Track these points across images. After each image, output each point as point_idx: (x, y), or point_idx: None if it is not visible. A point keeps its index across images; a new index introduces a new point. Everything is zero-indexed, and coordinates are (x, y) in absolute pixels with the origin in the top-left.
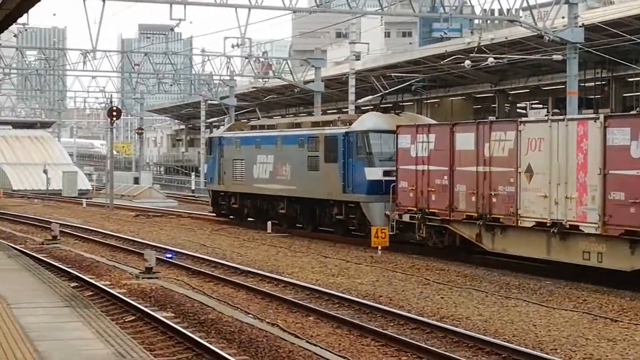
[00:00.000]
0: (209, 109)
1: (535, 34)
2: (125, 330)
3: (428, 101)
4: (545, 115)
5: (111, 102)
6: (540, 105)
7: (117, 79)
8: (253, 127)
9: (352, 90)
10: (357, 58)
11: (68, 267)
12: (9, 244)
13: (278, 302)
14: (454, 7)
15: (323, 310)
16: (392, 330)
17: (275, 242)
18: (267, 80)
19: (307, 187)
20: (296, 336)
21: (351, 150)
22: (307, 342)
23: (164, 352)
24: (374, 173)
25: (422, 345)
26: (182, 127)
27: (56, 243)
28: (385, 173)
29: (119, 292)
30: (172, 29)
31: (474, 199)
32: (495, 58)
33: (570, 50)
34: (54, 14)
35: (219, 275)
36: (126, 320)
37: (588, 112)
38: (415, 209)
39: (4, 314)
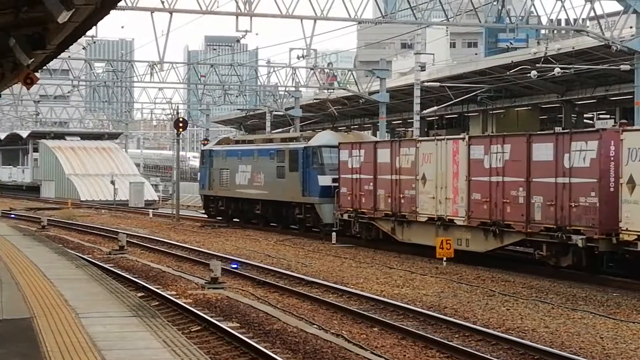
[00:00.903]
0: (274, 119)
1: (603, 43)
2: (191, 340)
3: (494, 112)
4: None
5: (177, 113)
6: (608, 116)
7: (183, 90)
8: (237, 142)
9: (417, 101)
10: (423, 69)
11: (135, 277)
12: (77, 254)
13: (343, 312)
14: (520, 18)
15: (388, 321)
16: (457, 342)
17: (340, 253)
18: (332, 91)
19: (276, 192)
20: (361, 347)
21: (308, 162)
22: (372, 353)
23: None
24: (325, 180)
25: (488, 357)
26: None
27: (123, 253)
28: (334, 180)
29: (185, 302)
30: (238, 41)
31: (389, 200)
32: (561, 68)
33: (638, 60)
34: (122, 27)
35: (283, 286)
36: (192, 330)
37: None
38: (351, 209)
39: (72, 324)
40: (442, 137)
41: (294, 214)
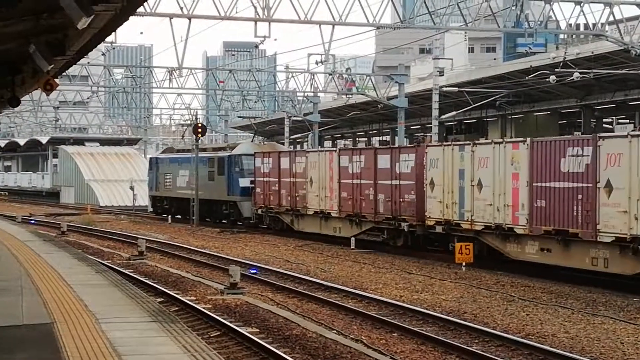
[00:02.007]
0: (292, 125)
1: (622, 48)
2: (211, 345)
3: (512, 117)
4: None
5: (196, 118)
6: (627, 121)
7: (202, 96)
8: (178, 151)
9: (435, 106)
10: (441, 74)
11: (154, 283)
12: (97, 259)
13: (362, 318)
14: (538, 22)
15: (407, 326)
16: (477, 347)
17: (359, 258)
18: (350, 96)
19: (208, 192)
20: (380, 352)
21: (232, 167)
22: (392, 358)
23: None
24: (244, 182)
25: None
26: (266, 144)
27: (142, 259)
28: (251, 182)
29: (204, 308)
30: (256, 46)
31: (289, 198)
32: (581, 73)
33: None
34: (141, 33)
35: (303, 291)
36: (212, 335)
37: None
38: (264, 205)
39: (92, 329)
40: (324, 149)
41: (221, 210)
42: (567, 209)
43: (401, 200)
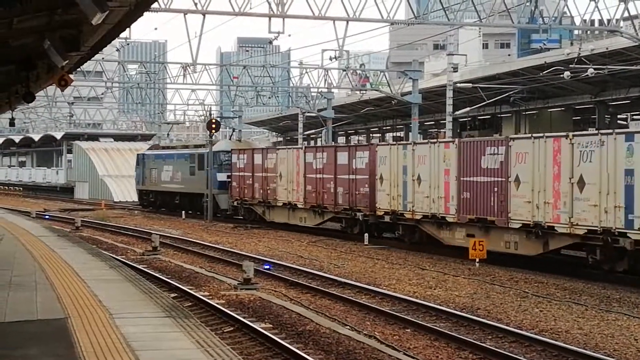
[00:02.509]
0: (306, 121)
1: (637, 44)
2: (224, 340)
3: (526, 113)
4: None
5: (210, 114)
6: None
7: (216, 91)
8: (163, 148)
9: (449, 102)
10: (455, 70)
11: (168, 278)
12: (111, 254)
13: (375, 314)
14: (553, 18)
15: (420, 322)
16: (490, 343)
17: (373, 254)
18: (364, 92)
19: (189, 186)
20: (394, 348)
21: (211, 162)
22: (405, 354)
23: None
24: (222, 177)
25: (521, 358)
26: (280, 139)
27: (156, 254)
28: (228, 177)
29: (218, 303)
30: (270, 42)
31: (262, 191)
32: (595, 69)
33: None
34: (155, 28)
35: (316, 287)
36: (225, 330)
37: None
38: (239, 198)
39: (106, 324)
40: (291, 147)
41: (201, 202)
42: (486, 200)
43: (357, 192)
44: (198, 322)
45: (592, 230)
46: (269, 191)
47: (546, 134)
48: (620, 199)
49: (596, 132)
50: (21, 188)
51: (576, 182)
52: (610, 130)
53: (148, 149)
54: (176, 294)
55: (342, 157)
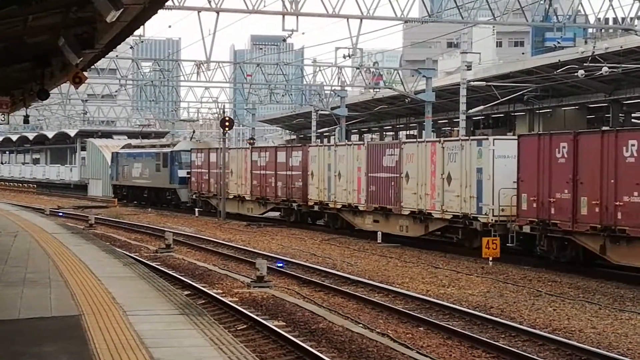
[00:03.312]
0: (320, 119)
1: None
2: (237, 338)
3: (540, 111)
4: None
5: (224, 112)
6: None
7: (229, 89)
8: (134, 147)
9: (463, 100)
10: (469, 68)
11: (181, 276)
12: (124, 252)
13: (388, 312)
14: (567, 16)
15: (434, 320)
16: (503, 342)
17: (386, 252)
18: (377, 90)
19: (156, 181)
20: (407, 347)
21: (173, 161)
22: (418, 352)
23: None
24: (182, 173)
25: (534, 357)
26: (294, 137)
27: (170, 251)
28: (187, 173)
29: (231, 301)
30: (284, 40)
31: (216, 185)
32: (609, 67)
33: None
34: (169, 26)
35: (329, 285)
36: (238, 328)
37: None
38: (197, 192)
39: (120, 321)
40: (241, 147)
41: (165, 195)
42: (386, 192)
43: (292, 186)
44: (211, 320)
45: (456, 215)
46: (221, 185)
47: (426, 140)
48: (473, 191)
49: (458, 138)
50: (35, 185)
51: (446, 177)
52: (467, 137)
53: (121, 148)
54: (189, 292)
55: (281, 156)
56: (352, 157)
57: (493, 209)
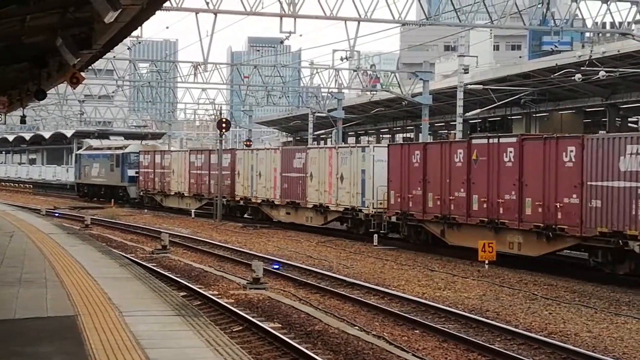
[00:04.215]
0: (316, 121)
1: None
2: (233, 339)
3: (537, 115)
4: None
5: (221, 113)
6: None
7: (226, 91)
8: (94, 149)
9: (460, 103)
10: (466, 71)
11: (177, 277)
12: (121, 253)
13: (384, 314)
14: (564, 20)
15: (429, 323)
16: (499, 345)
17: (382, 255)
18: (374, 93)
19: (110, 180)
20: (402, 349)
21: (124, 161)
22: (414, 355)
23: None
24: (132, 172)
25: None
26: (290, 139)
27: (166, 253)
28: (136, 172)
29: (227, 302)
30: (281, 42)
31: (160, 183)
32: (606, 71)
33: None
34: (167, 27)
35: (325, 287)
36: (234, 330)
37: None
38: (144, 189)
39: (116, 322)
40: (180, 150)
41: (117, 192)
42: (295, 189)
43: (224, 184)
44: (207, 321)
45: (347, 208)
46: (164, 183)
47: (325, 147)
48: (359, 188)
49: (348, 145)
50: (31, 185)
51: (339, 177)
52: (354, 145)
53: (83, 150)
54: (185, 293)
55: (214, 158)
56: (270, 159)
57: (373, 203)
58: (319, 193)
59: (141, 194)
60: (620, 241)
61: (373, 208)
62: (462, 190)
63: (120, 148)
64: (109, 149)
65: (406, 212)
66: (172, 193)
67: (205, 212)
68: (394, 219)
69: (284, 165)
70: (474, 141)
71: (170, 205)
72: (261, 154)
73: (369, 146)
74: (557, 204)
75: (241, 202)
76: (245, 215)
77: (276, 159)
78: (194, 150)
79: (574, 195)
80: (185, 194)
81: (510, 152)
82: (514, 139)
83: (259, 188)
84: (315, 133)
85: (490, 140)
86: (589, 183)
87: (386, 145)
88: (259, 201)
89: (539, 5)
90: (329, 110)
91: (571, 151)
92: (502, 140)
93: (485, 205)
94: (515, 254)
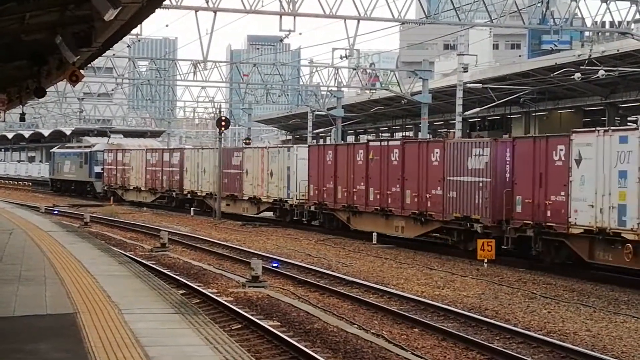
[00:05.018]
0: (316, 119)
1: None
2: (232, 337)
3: (536, 114)
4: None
5: (220, 112)
6: None
7: (226, 89)
8: (66, 147)
9: (459, 102)
10: (465, 70)
11: (176, 275)
12: (120, 250)
13: (383, 313)
14: (564, 19)
15: (428, 322)
16: (498, 344)
17: (381, 253)
18: (374, 91)
19: (79, 175)
20: (401, 347)
21: (91, 158)
22: (412, 353)
23: None
24: (98, 169)
25: (529, 359)
26: (289, 137)
27: (165, 251)
28: (102, 169)
29: (226, 300)
30: (281, 40)
31: (121, 179)
32: (606, 71)
33: None
34: (167, 25)
35: (324, 285)
36: (233, 328)
37: None
38: (108, 184)
39: (115, 320)
40: (138, 149)
41: (85, 187)
42: (234, 183)
43: (173, 179)
44: (206, 319)
45: (276, 200)
46: (125, 179)
47: (258, 147)
48: (285, 183)
49: (276, 146)
50: (30, 183)
51: (270, 173)
52: (282, 145)
53: (57, 148)
54: (185, 291)
55: (166, 156)
56: (212, 158)
57: (297, 195)
58: (253, 187)
59: (105, 188)
60: (468, 224)
61: (297, 199)
62: (362, 184)
63: (89, 147)
64: (79, 147)
65: (322, 203)
66: (131, 187)
67: (159, 205)
68: (312, 208)
69: (224, 162)
70: (371, 143)
71: (130, 199)
72: (205, 153)
73: (293, 147)
74: (427, 195)
75: (188, 196)
76: (192, 208)
77: (216, 157)
78: (150, 149)
79: (439, 188)
80: (142, 188)
81: (396, 153)
82: (398, 142)
83: (203, 183)
84: (315, 131)
85: (382, 143)
86: (448, 178)
87: (307, 145)
88: (203, 194)
89: (539, 5)
90: (329, 109)
91: (437, 152)
92: (390, 143)
93: (378, 197)
94: (400, 236)
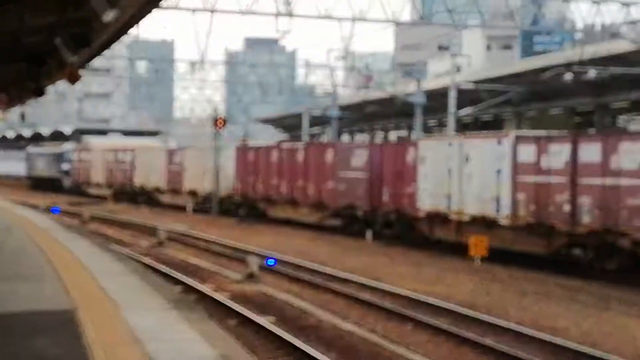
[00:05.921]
0: (312, 119)
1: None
2: (229, 333)
3: (527, 114)
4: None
5: (216, 112)
6: None
7: (223, 89)
8: (41, 147)
9: (452, 102)
10: (458, 71)
11: (173, 272)
12: (118, 248)
13: (377, 309)
14: (555, 21)
15: (421, 318)
16: (490, 340)
17: (374, 251)
18: (368, 87)
19: (50, 173)
20: (395, 342)
21: (61, 158)
22: (406, 349)
23: (266, 355)
24: (66, 166)
25: (520, 355)
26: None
27: (162, 248)
28: (69, 166)
29: (222, 297)
30: (276, 41)
31: (86, 175)
32: (596, 71)
33: None
34: (164, 27)
35: (319, 282)
36: (229, 323)
37: None
38: (74, 180)
39: (113, 316)
40: (102, 150)
41: (55, 183)
42: (177, 180)
43: (126, 175)
44: (203, 315)
45: (208, 192)
46: (89, 175)
47: (197, 147)
48: (216, 178)
49: (211, 147)
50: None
51: (205, 170)
52: (214, 147)
53: (32, 148)
54: (182, 287)
55: (120, 155)
56: (160, 157)
57: (226, 188)
58: (192, 182)
59: (74, 184)
60: (352, 211)
61: (226, 192)
62: (275, 179)
63: (60, 147)
64: (52, 147)
65: (246, 195)
66: (94, 183)
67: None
68: (238, 199)
69: (169, 161)
70: (281, 145)
71: (92, 193)
72: (155, 152)
73: (223, 148)
74: (323, 187)
75: (137, 190)
76: (142, 201)
77: (163, 157)
78: (107, 150)
79: (332, 182)
80: (101, 184)
81: (301, 154)
82: (302, 145)
83: (152, 179)
84: (310, 130)
85: (291, 145)
86: (338, 174)
87: (234, 147)
88: (152, 189)
89: (531, 6)
90: (324, 109)
91: (330, 153)
92: (296, 145)
93: (287, 190)
94: (305, 220)
